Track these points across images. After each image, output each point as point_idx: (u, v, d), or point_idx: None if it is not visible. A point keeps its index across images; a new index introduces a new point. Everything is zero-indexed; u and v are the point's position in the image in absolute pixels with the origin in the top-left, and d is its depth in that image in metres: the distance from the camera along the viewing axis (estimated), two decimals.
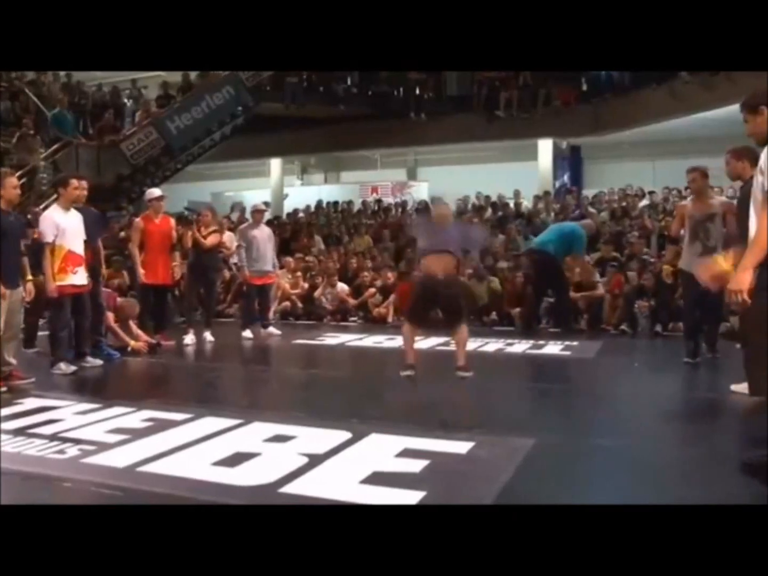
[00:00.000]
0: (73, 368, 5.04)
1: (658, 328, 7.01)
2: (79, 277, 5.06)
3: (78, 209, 5.23)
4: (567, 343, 6.47)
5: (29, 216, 6.54)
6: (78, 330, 5.18)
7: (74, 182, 5.13)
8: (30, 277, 4.81)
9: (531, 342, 6.55)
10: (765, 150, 2.39)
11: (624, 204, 10.62)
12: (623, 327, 7.16)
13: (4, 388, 4.39)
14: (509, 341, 6.68)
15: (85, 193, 5.32)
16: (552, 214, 10.68)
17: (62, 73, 13.05)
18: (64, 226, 4.97)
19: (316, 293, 8.92)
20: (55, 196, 5.68)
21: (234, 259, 8.07)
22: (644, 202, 10.57)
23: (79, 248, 5.07)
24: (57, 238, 4.93)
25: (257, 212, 7.52)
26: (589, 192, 12.06)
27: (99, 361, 5.33)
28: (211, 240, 6.85)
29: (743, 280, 2.39)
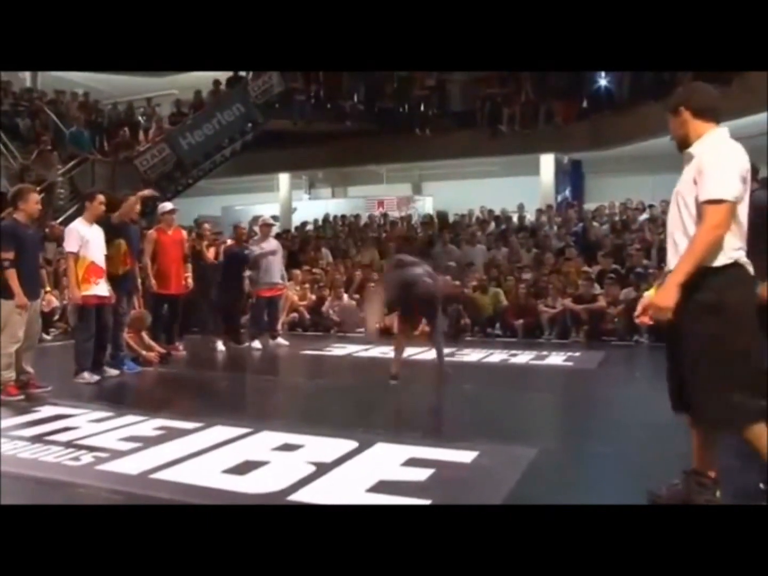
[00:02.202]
0: (96, 377, 5.14)
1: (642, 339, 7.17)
2: (101, 289, 5.14)
3: (124, 225, 5.47)
4: (569, 353, 6.56)
5: (46, 230, 6.72)
6: (97, 342, 5.22)
7: (100, 197, 5.25)
8: (48, 288, 4.95)
9: (534, 353, 6.63)
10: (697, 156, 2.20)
11: (624, 217, 10.72)
12: (637, 338, 7.26)
13: (21, 396, 4.53)
14: (513, 352, 6.76)
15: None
16: (555, 227, 10.79)
17: (80, 92, 13.32)
18: (87, 238, 5.10)
19: (324, 308, 9.03)
20: (71, 210, 5.84)
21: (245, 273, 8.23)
22: (644, 215, 10.63)
23: (101, 261, 5.18)
24: (81, 249, 5.06)
25: (265, 226, 7.68)
26: (590, 205, 12.12)
27: (115, 371, 5.44)
28: (212, 253, 7.06)
29: (673, 296, 2.13)
